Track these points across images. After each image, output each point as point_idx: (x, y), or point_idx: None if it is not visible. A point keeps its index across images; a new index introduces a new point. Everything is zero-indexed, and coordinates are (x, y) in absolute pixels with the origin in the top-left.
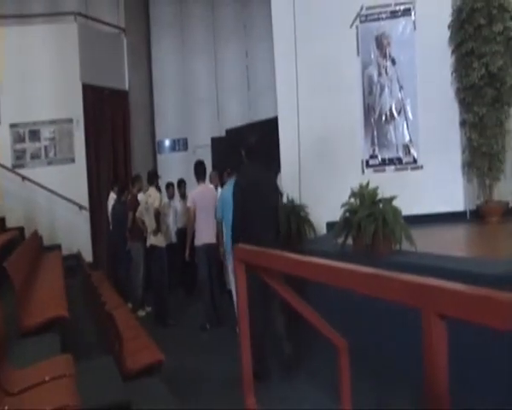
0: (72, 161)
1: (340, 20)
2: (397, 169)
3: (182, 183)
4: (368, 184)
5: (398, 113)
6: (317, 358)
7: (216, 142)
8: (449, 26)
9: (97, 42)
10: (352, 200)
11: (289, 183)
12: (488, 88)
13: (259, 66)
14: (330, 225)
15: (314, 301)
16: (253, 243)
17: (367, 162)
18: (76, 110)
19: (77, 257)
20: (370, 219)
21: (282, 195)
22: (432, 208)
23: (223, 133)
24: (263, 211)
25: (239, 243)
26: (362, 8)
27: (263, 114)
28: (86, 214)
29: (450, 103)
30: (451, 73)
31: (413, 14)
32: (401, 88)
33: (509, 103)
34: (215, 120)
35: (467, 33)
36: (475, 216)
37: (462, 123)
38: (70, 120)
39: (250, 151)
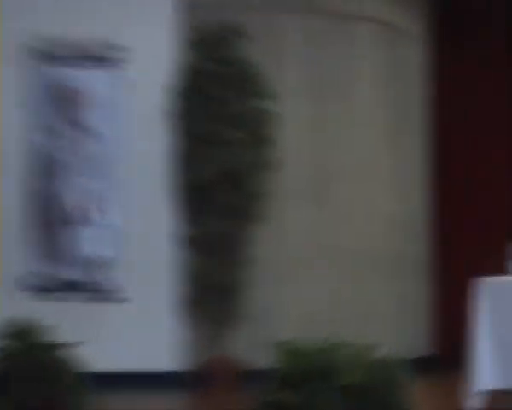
0: None
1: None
2: (80, 298)
3: None
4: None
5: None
6: None
7: None
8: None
9: None
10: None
11: None
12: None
13: None
14: None
15: None
16: None
17: (27, 282)
18: None
19: None
20: (29, 372)
21: None
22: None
23: None
24: None
25: None
26: (35, 40)
27: None
28: None
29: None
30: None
31: (122, 66)
32: (99, 173)
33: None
34: None
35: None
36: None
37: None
38: None
39: None
